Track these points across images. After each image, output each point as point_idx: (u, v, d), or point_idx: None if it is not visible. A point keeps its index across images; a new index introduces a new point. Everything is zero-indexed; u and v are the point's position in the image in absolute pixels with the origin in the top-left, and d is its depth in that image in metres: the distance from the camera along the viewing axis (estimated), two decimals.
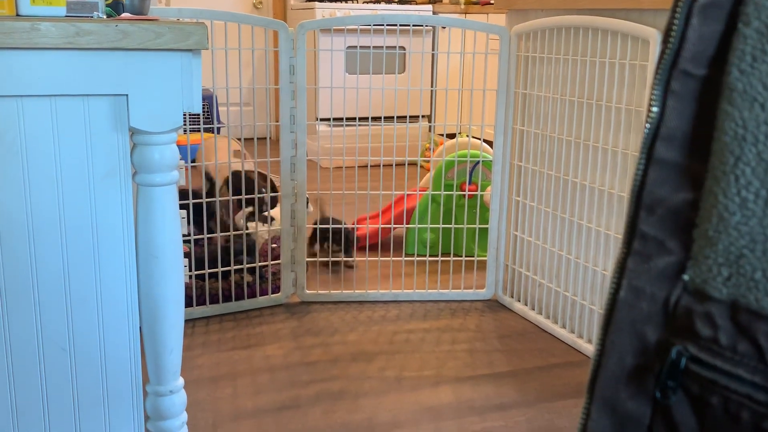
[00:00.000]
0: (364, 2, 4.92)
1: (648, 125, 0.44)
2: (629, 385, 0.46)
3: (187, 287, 2.20)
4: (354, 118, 4.51)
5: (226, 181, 2.41)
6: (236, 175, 2.38)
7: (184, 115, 1.57)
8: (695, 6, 0.42)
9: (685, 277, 0.43)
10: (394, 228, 2.91)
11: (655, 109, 0.44)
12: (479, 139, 2.71)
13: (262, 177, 2.56)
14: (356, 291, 2.41)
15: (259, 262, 2.34)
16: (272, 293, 2.36)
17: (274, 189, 2.49)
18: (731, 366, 0.41)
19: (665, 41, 0.44)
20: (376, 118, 4.52)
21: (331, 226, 2.53)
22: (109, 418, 1.35)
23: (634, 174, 0.45)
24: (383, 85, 2.35)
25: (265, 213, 2.42)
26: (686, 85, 0.43)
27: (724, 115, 0.40)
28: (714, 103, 0.42)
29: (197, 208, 2.39)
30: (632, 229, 0.46)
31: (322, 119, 4.51)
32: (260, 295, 2.33)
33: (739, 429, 0.41)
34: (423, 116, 4.90)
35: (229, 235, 2.27)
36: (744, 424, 0.40)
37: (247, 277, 2.34)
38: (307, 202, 2.40)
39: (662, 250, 0.44)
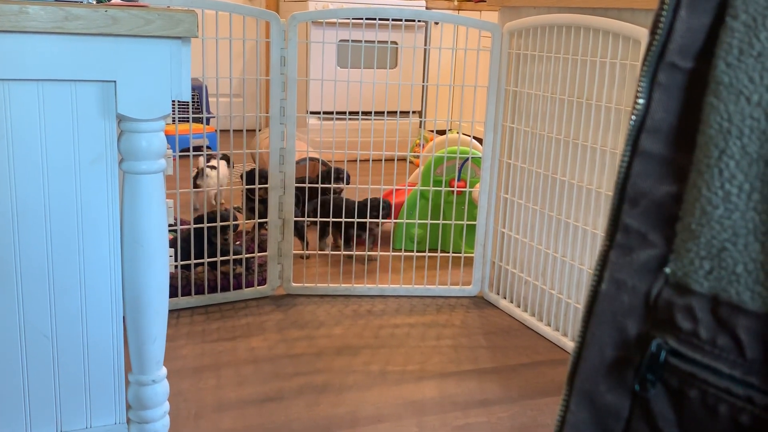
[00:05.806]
0: None
1: (634, 117, 0.44)
2: (609, 377, 0.46)
3: (173, 277, 2.19)
4: (344, 112, 4.50)
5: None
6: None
7: (173, 103, 1.56)
8: None
9: (667, 270, 0.43)
10: (383, 223, 2.91)
11: (641, 101, 0.44)
12: (469, 135, 2.71)
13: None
14: (342, 285, 2.41)
15: (246, 253, 2.33)
16: (258, 285, 2.35)
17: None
18: (711, 359, 0.41)
19: (653, 33, 0.44)
20: (366, 113, 4.51)
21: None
22: (91, 406, 1.34)
23: (619, 166, 0.45)
24: (374, 80, 2.35)
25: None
26: (673, 78, 0.43)
27: (710, 108, 0.40)
28: (700, 96, 0.42)
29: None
30: (615, 222, 0.46)
31: (312, 112, 4.50)
32: (246, 287, 2.33)
33: (716, 422, 0.41)
34: (414, 112, 4.90)
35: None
36: (722, 417, 0.40)
37: (237, 268, 2.33)
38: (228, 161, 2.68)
39: (644, 243, 0.44)
